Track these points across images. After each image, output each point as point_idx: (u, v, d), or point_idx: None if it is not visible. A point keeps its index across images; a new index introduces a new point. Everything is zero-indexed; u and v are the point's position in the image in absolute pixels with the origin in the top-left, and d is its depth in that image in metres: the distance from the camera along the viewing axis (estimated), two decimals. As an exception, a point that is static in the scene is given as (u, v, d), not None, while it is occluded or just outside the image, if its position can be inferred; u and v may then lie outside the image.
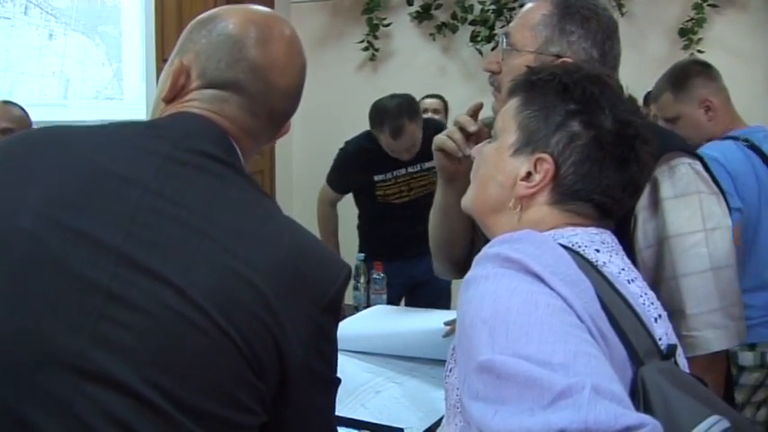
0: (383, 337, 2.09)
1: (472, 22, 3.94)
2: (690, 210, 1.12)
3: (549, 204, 0.89)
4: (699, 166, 1.15)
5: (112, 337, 0.74)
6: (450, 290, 3.18)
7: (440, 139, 1.31)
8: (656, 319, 0.84)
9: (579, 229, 0.87)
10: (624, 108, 0.88)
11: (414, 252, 3.05)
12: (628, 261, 0.89)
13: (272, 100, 0.92)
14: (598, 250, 0.84)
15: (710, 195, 1.14)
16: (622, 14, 3.70)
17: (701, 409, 0.71)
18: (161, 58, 0.93)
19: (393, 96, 2.93)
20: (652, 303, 0.85)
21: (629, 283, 0.84)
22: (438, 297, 3.08)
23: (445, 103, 3.59)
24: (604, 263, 0.83)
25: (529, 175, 0.89)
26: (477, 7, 3.92)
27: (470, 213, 0.99)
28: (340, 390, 0.90)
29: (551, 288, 0.73)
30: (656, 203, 1.12)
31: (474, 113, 1.30)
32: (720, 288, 1.12)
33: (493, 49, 3.89)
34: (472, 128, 1.28)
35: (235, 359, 0.76)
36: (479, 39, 3.91)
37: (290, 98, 0.95)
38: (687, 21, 3.61)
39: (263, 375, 0.78)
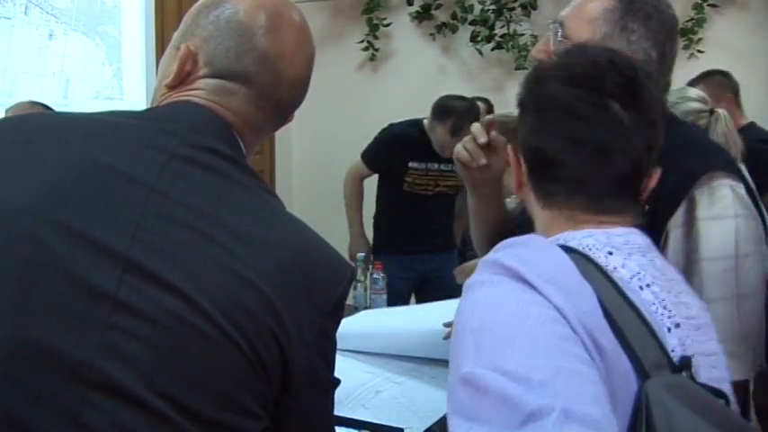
0: (383, 336, 2.09)
1: (472, 22, 3.94)
2: (724, 233, 1.06)
3: (542, 208, 0.87)
4: (741, 189, 1.10)
5: (120, 346, 0.72)
6: (462, 288, 3.19)
7: (456, 149, 1.32)
8: (669, 329, 0.77)
9: (599, 231, 0.82)
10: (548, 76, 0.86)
11: (424, 248, 3.10)
12: (653, 263, 0.83)
13: (281, 91, 0.90)
14: (611, 253, 0.80)
15: (749, 220, 1.09)
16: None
17: (707, 428, 0.67)
18: (161, 58, 0.93)
19: (459, 97, 3.04)
20: (667, 311, 0.79)
21: (641, 289, 0.78)
22: (448, 295, 3.10)
23: (490, 105, 3.58)
24: (615, 267, 0.78)
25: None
26: (477, 7, 3.92)
27: None
28: (340, 390, 0.90)
29: (544, 297, 0.71)
30: (690, 223, 1.07)
31: (488, 126, 1.29)
32: (743, 317, 1.07)
33: (493, 49, 3.90)
34: (481, 139, 1.28)
35: (242, 367, 0.75)
36: (479, 39, 3.91)
37: (298, 89, 0.93)
38: (687, 21, 3.60)
39: (268, 381, 0.78)
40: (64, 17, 3.11)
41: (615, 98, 0.80)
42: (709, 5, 3.59)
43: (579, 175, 0.82)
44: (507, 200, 1.49)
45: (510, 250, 0.77)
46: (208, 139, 0.83)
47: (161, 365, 0.73)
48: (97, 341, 0.72)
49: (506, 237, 1.55)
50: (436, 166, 3.08)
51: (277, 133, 1.05)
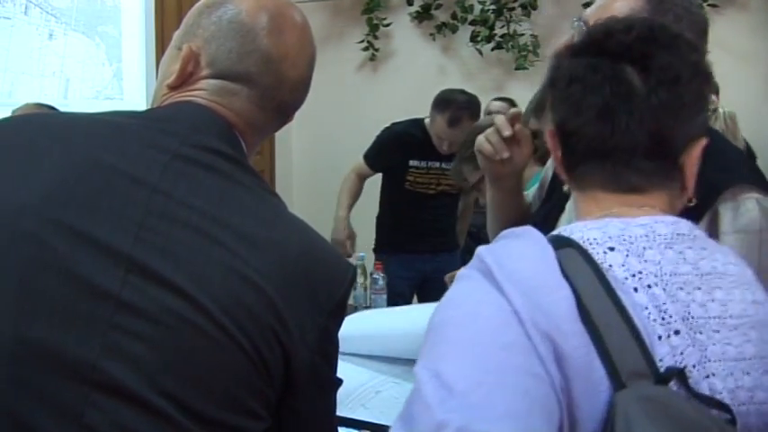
0: (381, 339, 2.08)
1: (472, 22, 3.94)
2: (746, 248, 1.01)
3: (574, 190, 0.84)
4: None
5: (123, 346, 0.72)
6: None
7: (479, 141, 1.31)
8: (660, 337, 0.69)
9: (617, 220, 0.76)
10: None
11: (426, 247, 3.10)
12: (682, 256, 0.75)
13: (283, 92, 0.91)
14: (612, 248, 0.73)
15: None
16: (622, 14, 3.69)
17: None
18: (161, 58, 0.93)
19: (461, 91, 3.04)
20: (662, 317, 0.71)
21: (635, 291, 0.71)
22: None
23: (513, 106, 3.58)
24: (611, 265, 0.72)
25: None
26: (477, 7, 3.92)
27: None
28: (340, 390, 0.90)
29: (506, 297, 0.68)
30: (712, 237, 1.00)
31: (512, 119, 1.28)
32: None
33: (493, 49, 3.90)
34: (506, 132, 1.26)
35: (245, 367, 0.76)
36: (479, 39, 3.91)
37: (300, 90, 0.94)
38: (687, 21, 3.60)
39: (271, 381, 0.78)
40: (64, 17, 3.11)
41: (625, 60, 0.77)
42: (709, 5, 3.59)
43: (590, 143, 0.79)
44: (526, 192, 1.48)
45: (500, 242, 0.76)
46: (210, 139, 0.83)
47: (164, 366, 0.73)
48: (100, 341, 0.72)
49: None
50: (438, 164, 3.08)
51: (277, 133, 1.05)
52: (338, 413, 0.93)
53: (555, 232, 0.79)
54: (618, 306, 0.69)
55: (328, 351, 0.84)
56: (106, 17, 3.31)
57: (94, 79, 3.26)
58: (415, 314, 2.26)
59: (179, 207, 0.77)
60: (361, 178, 3.24)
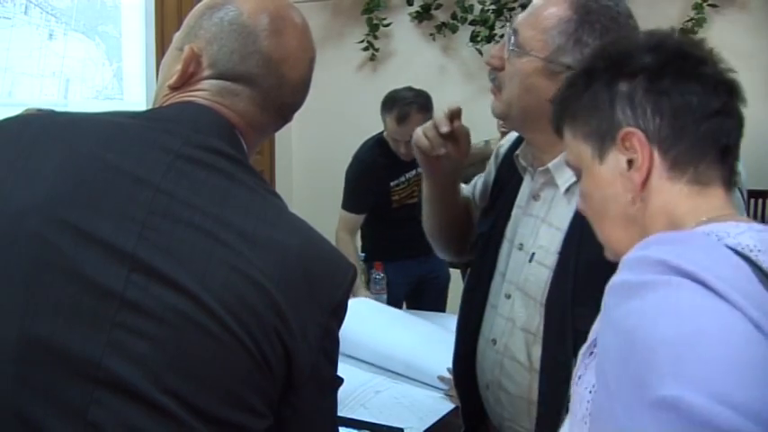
0: (376, 352, 2.06)
1: (472, 22, 3.94)
2: None
3: (670, 179, 0.76)
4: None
5: (127, 345, 0.73)
6: (448, 289, 3.19)
7: (416, 135, 1.30)
8: None
9: (744, 224, 0.69)
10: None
11: (422, 250, 3.06)
12: None
13: (283, 94, 0.91)
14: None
15: None
16: (622, 14, 3.69)
17: None
18: (161, 58, 0.94)
19: (409, 88, 2.92)
20: None
21: None
22: (440, 294, 3.11)
23: None
24: None
25: (630, 162, 0.77)
26: (477, 7, 3.93)
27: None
28: (340, 390, 0.90)
29: (741, 311, 0.59)
30: None
31: (452, 116, 1.27)
32: None
33: (493, 49, 3.90)
34: (444, 128, 1.25)
35: (248, 365, 0.76)
36: (479, 39, 3.91)
37: (300, 91, 0.94)
38: (687, 21, 3.60)
39: (273, 380, 0.78)
40: (64, 17, 3.11)
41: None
42: (709, 5, 3.60)
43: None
44: (463, 186, 1.47)
45: (673, 247, 0.66)
46: (211, 139, 0.84)
47: (168, 364, 0.73)
48: (105, 340, 0.72)
49: (463, 228, 1.49)
50: (413, 172, 2.97)
51: (277, 133, 1.06)
52: (338, 413, 0.93)
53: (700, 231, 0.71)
54: None
55: (329, 350, 0.84)
56: (106, 17, 3.31)
57: (94, 79, 3.26)
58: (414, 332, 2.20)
59: (182, 206, 0.78)
60: (353, 233, 3.00)
